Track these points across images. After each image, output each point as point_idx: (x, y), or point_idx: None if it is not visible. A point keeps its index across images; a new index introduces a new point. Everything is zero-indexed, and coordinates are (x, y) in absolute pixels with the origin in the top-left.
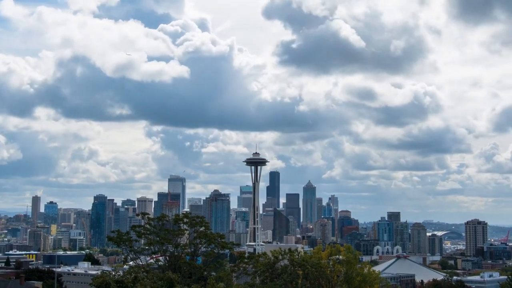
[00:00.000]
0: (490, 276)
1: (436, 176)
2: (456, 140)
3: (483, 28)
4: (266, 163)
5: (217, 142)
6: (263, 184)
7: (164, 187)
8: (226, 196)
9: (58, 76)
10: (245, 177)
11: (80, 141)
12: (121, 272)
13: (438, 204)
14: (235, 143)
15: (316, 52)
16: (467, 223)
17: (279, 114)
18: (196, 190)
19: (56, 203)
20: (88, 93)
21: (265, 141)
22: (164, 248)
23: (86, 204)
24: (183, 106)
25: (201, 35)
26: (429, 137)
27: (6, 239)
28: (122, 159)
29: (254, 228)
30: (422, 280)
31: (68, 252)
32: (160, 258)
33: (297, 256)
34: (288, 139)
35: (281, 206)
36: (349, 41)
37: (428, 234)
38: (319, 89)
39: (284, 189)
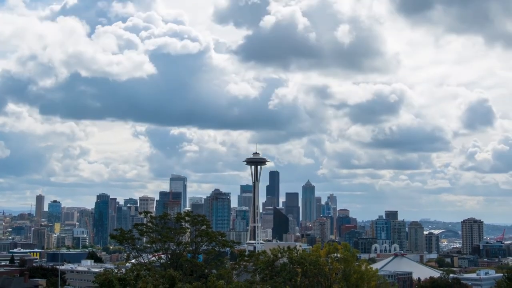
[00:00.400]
0: (486, 273)
1: (424, 175)
2: (432, 138)
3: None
4: (266, 163)
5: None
6: (263, 184)
7: (161, 186)
8: (227, 195)
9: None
10: (238, 176)
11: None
12: (123, 270)
13: (431, 203)
14: (214, 141)
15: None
16: (464, 221)
17: (251, 113)
18: (193, 189)
19: (59, 202)
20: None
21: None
22: (166, 246)
23: (85, 203)
24: (156, 104)
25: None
26: (403, 136)
27: (10, 237)
28: (113, 158)
29: (254, 226)
30: (419, 278)
31: (72, 250)
32: (162, 256)
33: (296, 254)
34: (264, 138)
35: (280, 205)
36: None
37: (425, 232)
38: (286, 87)
39: (283, 188)
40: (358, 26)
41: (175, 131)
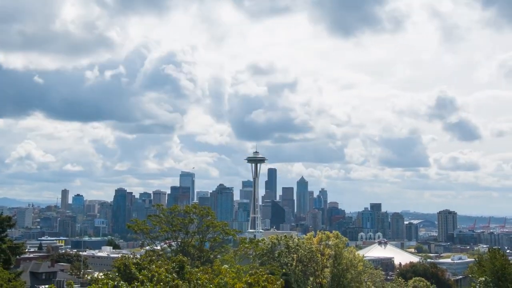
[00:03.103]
0: (459, 258)
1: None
2: None
3: None
4: (265, 161)
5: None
6: (262, 179)
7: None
8: (230, 189)
9: None
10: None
11: None
12: (138, 255)
13: (409, 196)
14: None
15: None
16: (439, 213)
17: None
18: (200, 184)
19: (82, 195)
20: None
21: None
22: (176, 234)
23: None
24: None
25: None
26: None
27: (39, 227)
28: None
29: (254, 217)
30: (400, 262)
31: (93, 238)
32: (173, 243)
33: (291, 242)
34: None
35: (277, 198)
36: None
37: (406, 222)
38: None
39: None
40: None
41: None
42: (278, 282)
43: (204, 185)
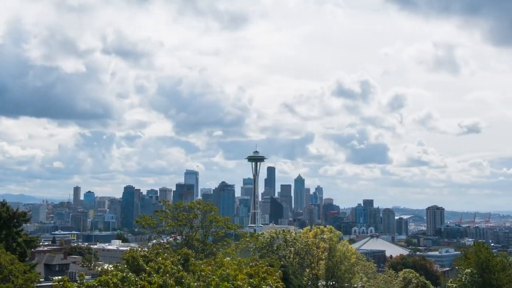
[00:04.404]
0: (447, 251)
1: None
2: None
3: None
4: (264, 160)
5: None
6: (261, 177)
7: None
8: (232, 186)
9: None
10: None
11: None
12: (146, 249)
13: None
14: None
15: None
16: (428, 208)
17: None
18: (203, 181)
19: (93, 192)
20: None
21: None
22: (181, 229)
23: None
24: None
25: None
26: None
27: (52, 222)
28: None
29: (254, 212)
30: (391, 255)
31: (103, 232)
32: (178, 237)
33: (289, 236)
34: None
35: (276, 194)
36: None
37: (396, 217)
38: None
39: (278, 180)
40: None
41: None
42: (277, 274)
43: (207, 183)
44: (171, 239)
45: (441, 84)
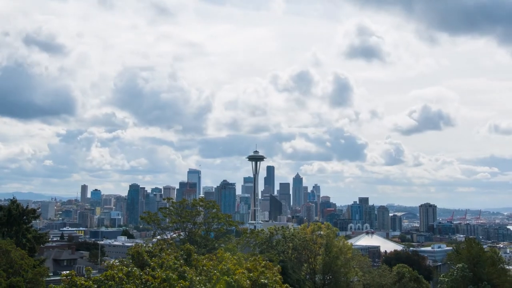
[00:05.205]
0: (439, 247)
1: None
2: None
3: None
4: (264, 159)
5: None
6: (261, 175)
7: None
8: (233, 185)
9: None
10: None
11: None
12: (150, 244)
13: (386, 191)
14: None
15: None
16: (421, 206)
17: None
18: (206, 180)
19: (100, 190)
20: None
21: None
22: (184, 225)
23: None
24: None
25: None
26: None
27: (60, 218)
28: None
29: (255, 210)
30: (385, 250)
31: (109, 229)
32: (181, 233)
33: (287, 232)
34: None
35: (275, 192)
36: None
37: (390, 214)
38: None
39: (277, 179)
40: None
41: None
42: (276, 268)
43: (209, 181)
44: (174, 235)
45: None
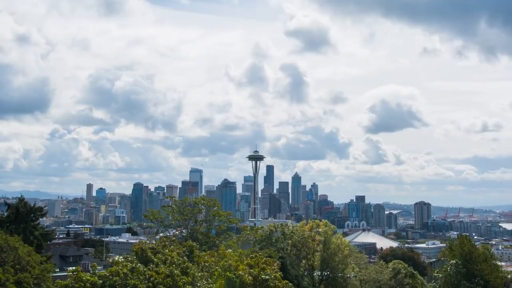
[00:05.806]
0: (433, 244)
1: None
2: None
3: None
4: (264, 159)
5: None
6: (261, 174)
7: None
8: (233, 183)
9: None
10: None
11: None
12: (154, 241)
13: (378, 190)
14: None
15: None
16: (416, 204)
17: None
18: (207, 179)
19: (105, 189)
20: None
21: None
22: (186, 223)
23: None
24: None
25: None
26: None
27: (67, 216)
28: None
29: (255, 208)
30: (381, 247)
31: (114, 226)
32: (183, 230)
33: (287, 229)
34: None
35: (275, 191)
36: None
37: (386, 212)
38: None
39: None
40: None
41: None
42: (275, 264)
43: (211, 180)
44: (177, 232)
45: None
